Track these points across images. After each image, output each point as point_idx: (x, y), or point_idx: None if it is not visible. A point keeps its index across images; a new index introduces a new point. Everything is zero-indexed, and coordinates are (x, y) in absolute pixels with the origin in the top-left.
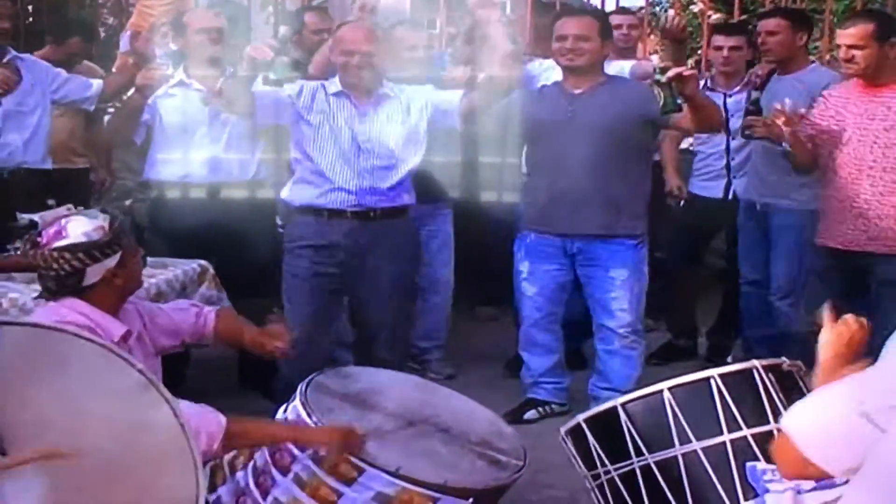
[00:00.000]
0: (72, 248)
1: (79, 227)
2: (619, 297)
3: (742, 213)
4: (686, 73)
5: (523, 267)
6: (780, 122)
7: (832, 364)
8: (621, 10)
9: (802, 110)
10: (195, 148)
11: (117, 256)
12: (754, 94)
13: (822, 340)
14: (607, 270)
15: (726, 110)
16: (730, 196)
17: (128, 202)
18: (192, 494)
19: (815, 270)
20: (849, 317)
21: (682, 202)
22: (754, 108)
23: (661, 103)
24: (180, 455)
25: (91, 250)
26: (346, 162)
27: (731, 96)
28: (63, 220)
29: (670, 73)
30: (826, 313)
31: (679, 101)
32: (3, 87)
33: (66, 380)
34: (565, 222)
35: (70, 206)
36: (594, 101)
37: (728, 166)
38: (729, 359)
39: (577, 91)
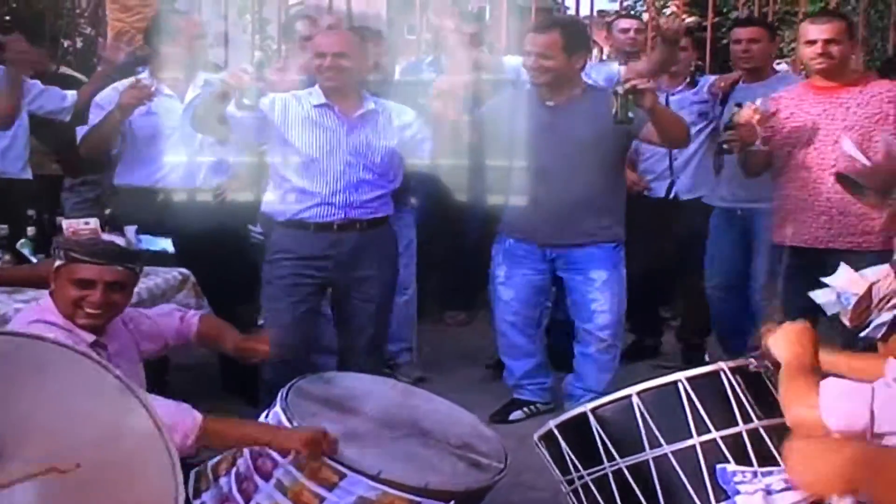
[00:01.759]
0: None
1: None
2: (599, 298)
3: (717, 219)
4: (641, 85)
5: (500, 271)
6: (754, 121)
7: (796, 363)
8: (628, 15)
9: (772, 110)
10: (167, 153)
11: (56, 262)
12: (735, 109)
13: (774, 344)
14: (587, 273)
15: None
16: (671, 195)
17: (108, 211)
18: (171, 496)
19: (779, 271)
20: (789, 323)
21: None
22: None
23: (613, 112)
24: (159, 458)
25: (58, 242)
26: (333, 176)
27: (673, 95)
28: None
29: (627, 86)
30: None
31: (631, 115)
32: None
33: (44, 386)
34: (545, 232)
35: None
36: (572, 113)
37: (671, 166)
38: (706, 357)
39: (553, 103)
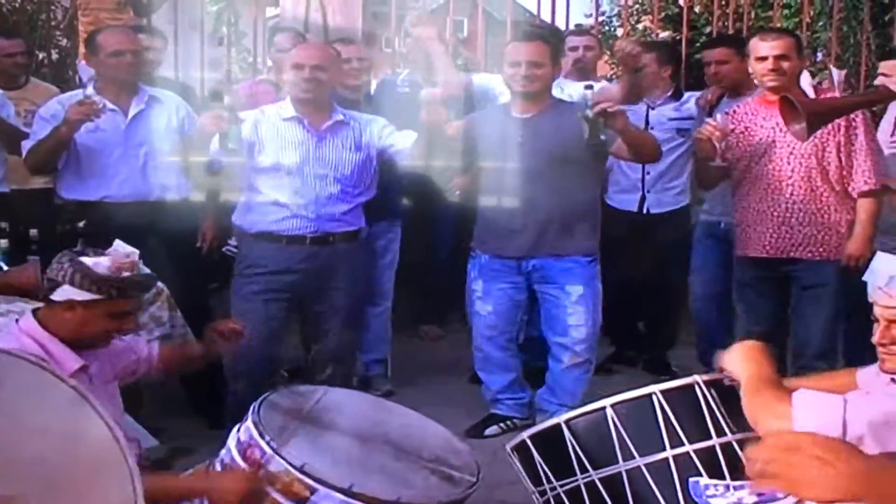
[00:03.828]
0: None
1: (101, 259)
2: (576, 312)
3: (701, 232)
4: (611, 109)
5: (477, 286)
6: (714, 138)
7: (756, 378)
8: (577, 31)
9: (731, 126)
10: (112, 168)
11: (88, 296)
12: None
13: (731, 363)
14: (563, 287)
15: (647, 122)
16: (644, 210)
17: (81, 224)
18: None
19: (745, 281)
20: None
21: None
22: None
23: (586, 136)
24: (116, 468)
25: (77, 274)
26: (304, 188)
27: (653, 108)
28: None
29: (596, 109)
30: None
31: (603, 137)
32: None
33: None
34: (520, 245)
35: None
36: (543, 125)
37: (643, 180)
38: (674, 368)
39: (526, 115)
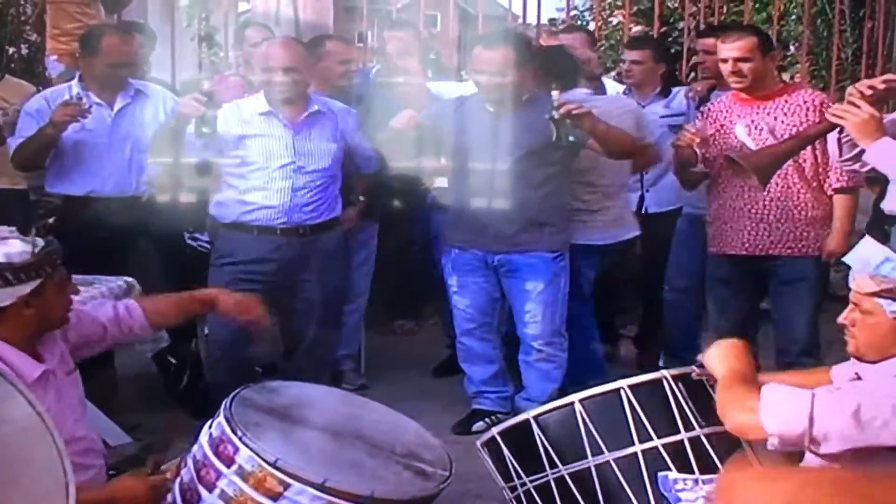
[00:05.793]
0: None
1: (4, 248)
2: (533, 309)
3: (683, 224)
4: (576, 111)
5: (452, 281)
6: (695, 144)
7: (732, 375)
8: (569, 28)
9: (710, 130)
10: (97, 163)
11: (33, 284)
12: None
13: (711, 360)
14: (523, 282)
15: None
16: (644, 210)
17: (51, 220)
18: (61, 483)
19: (720, 278)
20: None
21: None
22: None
23: (554, 138)
24: (42, 444)
25: (3, 272)
26: (277, 180)
27: (644, 106)
28: None
29: (562, 111)
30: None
31: (572, 138)
32: None
33: None
34: (485, 239)
35: (13, 228)
36: (516, 119)
37: (641, 179)
38: (661, 363)
39: (495, 109)
